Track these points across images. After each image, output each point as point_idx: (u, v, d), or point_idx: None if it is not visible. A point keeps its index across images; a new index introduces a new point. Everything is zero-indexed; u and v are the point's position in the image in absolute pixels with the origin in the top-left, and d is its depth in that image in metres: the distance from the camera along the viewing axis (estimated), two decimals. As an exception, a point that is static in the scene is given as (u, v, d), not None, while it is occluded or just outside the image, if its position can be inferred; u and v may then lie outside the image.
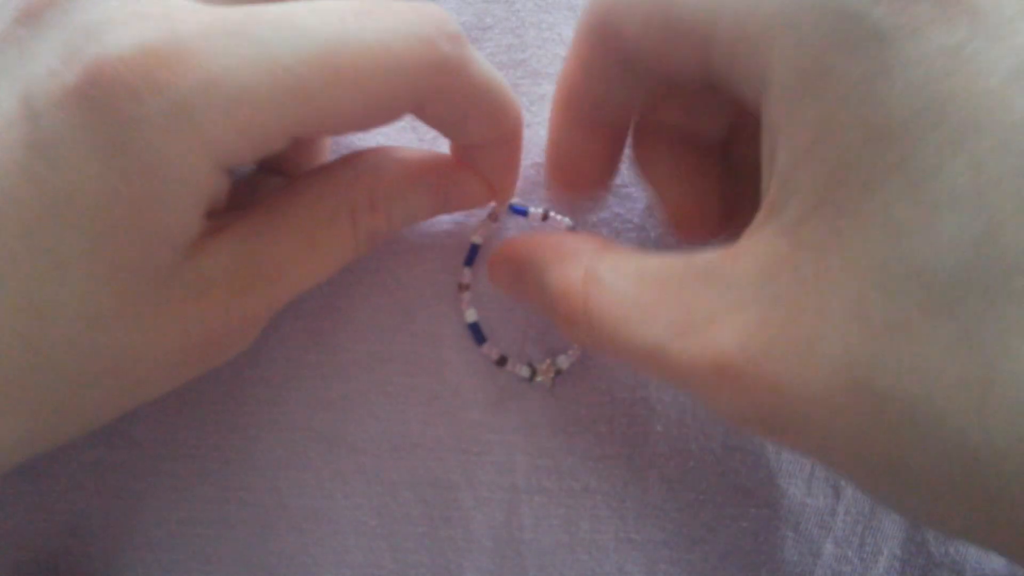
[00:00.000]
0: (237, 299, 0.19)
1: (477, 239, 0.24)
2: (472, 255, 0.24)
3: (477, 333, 0.24)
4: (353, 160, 0.22)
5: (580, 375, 0.24)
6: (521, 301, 0.22)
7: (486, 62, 0.20)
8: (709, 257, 0.16)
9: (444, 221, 0.25)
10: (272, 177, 0.24)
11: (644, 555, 0.23)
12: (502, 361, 0.24)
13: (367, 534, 0.24)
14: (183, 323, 0.18)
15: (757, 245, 0.15)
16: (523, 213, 0.24)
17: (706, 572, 0.23)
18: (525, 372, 0.24)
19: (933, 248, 0.13)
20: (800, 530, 0.23)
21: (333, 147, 0.25)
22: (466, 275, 0.24)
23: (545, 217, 0.24)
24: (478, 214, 0.25)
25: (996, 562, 0.23)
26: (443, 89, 0.18)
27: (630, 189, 0.25)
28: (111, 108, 0.16)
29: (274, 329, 0.24)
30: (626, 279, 0.18)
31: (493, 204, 0.23)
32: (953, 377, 0.12)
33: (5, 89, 0.17)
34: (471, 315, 0.23)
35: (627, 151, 0.23)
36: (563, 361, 0.24)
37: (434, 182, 0.22)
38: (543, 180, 0.25)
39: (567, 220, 0.24)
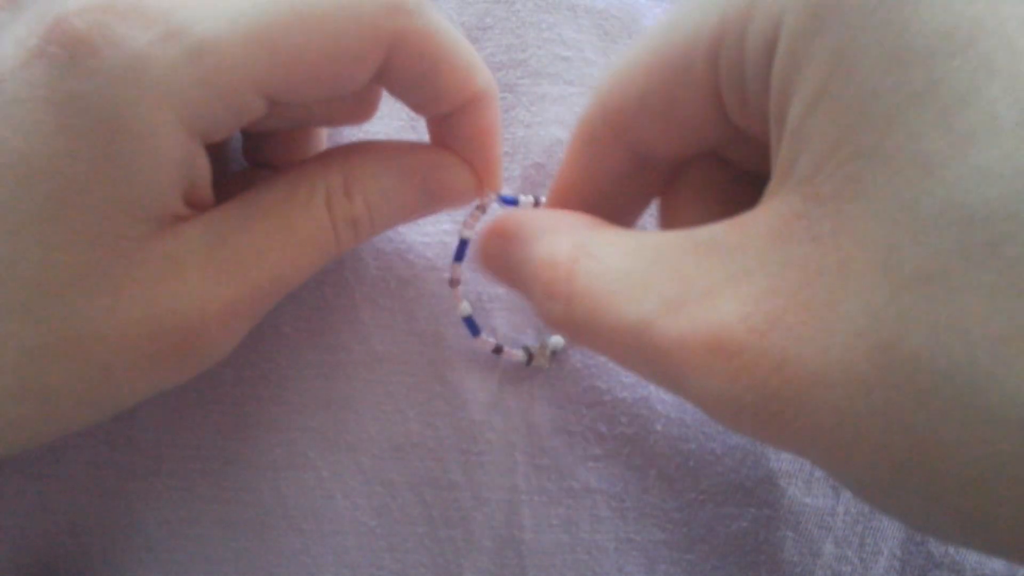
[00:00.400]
0: (212, 284, 0.18)
1: (467, 233, 0.23)
2: (461, 250, 0.23)
3: (472, 326, 0.24)
4: (329, 150, 0.22)
5: (580, 375, 0.24)
6: (505, 281, 0.20)
7: (445, 18, 0.19)
8: (713, 228, 0.15)
9: (444, 220, 0.25)
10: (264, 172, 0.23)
11: (644, 555, 0.23)
12: (498, 350, 0.24)
13: (367, 534, 0.24)
14: (152, 305, 0.17)
15: (766, 209, 0.14)
16: (513, 203, 0.23)
17: (706, 572, 0.23)
18: (522, 356, 0.24)
19: (971, 182, 0.11)
20: (800, 530, 0.23)
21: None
22: (456, 270, 0.24)
23: (537, 204, 0.24)
24: (482, 223, 0.24)
25: (996, 562, 0.23)
26: (407, 32, 0.18)
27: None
28: (69, 64, 0.16)
29: (274, 329, 0.24)
30: (618, 252, 0.16)
31: (485, 198, 0.23)
32: (999, 331, 0.10)
33: None
34: (465, 308, 0.23)
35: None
36: (556, 342, 0.24)
37: (411, 165, 0.21)
38: (543, 181, 0.25)
39: None
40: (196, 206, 0.19)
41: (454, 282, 0.24)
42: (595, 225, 0.18)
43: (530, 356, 0.24)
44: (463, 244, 0.23)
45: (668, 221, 0.20)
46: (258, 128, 0.21)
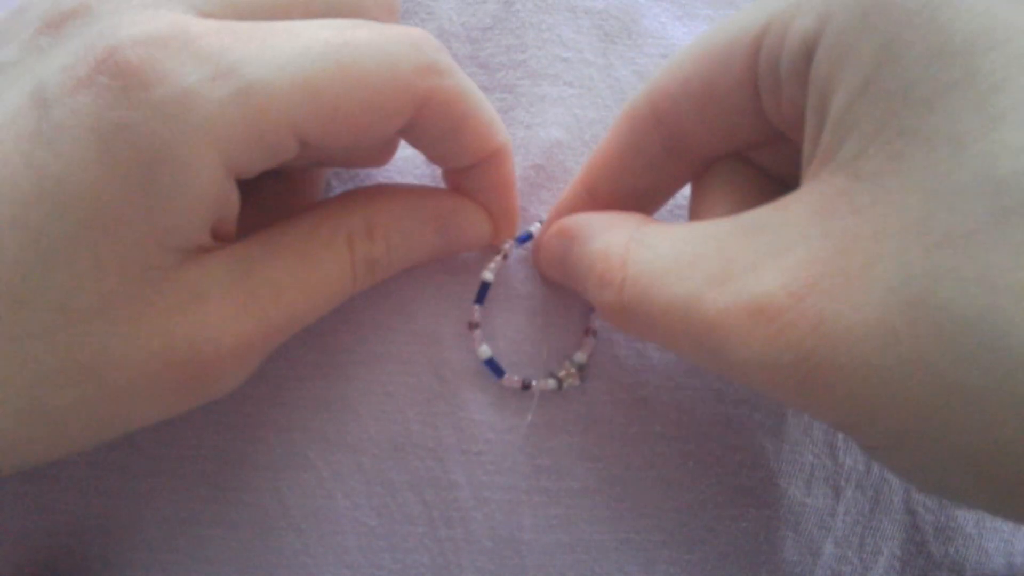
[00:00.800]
0: (231, 318, 0.18)
1: (488, 276, 0.23)
2: (483, 293, 0.24)
3: (495, 368, 0.23)
4: (352, 192, 0.22)
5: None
6: (561, 275, 0.22)
7: (471, 81, 0.20)
8: (756, 212, 0.16)
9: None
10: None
11: (643, 555, 0.23)
12: (526, 386, 0.23)
13: (367, 534, 0.24)
14: (170, 335, 0.17)
15: (809, 190, 0.15)
16: (528, 238, 0.24)
17: (706, 572, 0.23)
18: (552, 385, 0.23)
19: (999, 155, 0.12)
20: (800, 530, 0.23)
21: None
22: (476, 313, 0.23)
23: None
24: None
25: (996, 562, 0.23)
26: (437, 91, 0.19)
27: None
28: (119, 95, 0.16)
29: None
30: (667, 239, 0.17)
31: (507, 244, 0.23)
32: (1023, 282, 0.11)
33: (20, 88, 0.17)
34: (484, 352, 0.23)
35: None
36: (580, 357, 0.24)
37: (431, 210, 0.22)
38: (542, 182, 0.25)
39: None
40: (221, 239, 0.19)
41: (473, 325, 0.23)
42: (646, 220, 0.19)
43: (559, 381, 0.23)
44: (484, 287, 0.24)
45: (696, 216, 0.21)
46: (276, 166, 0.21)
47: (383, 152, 0.23)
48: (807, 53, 0.15)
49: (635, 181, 0.21)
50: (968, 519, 0.23)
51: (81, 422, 0.18)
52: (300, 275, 0.19)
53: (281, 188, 0.23)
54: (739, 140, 0.19)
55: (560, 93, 0.26)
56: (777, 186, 0.21)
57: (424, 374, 0.24)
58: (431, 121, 0.19)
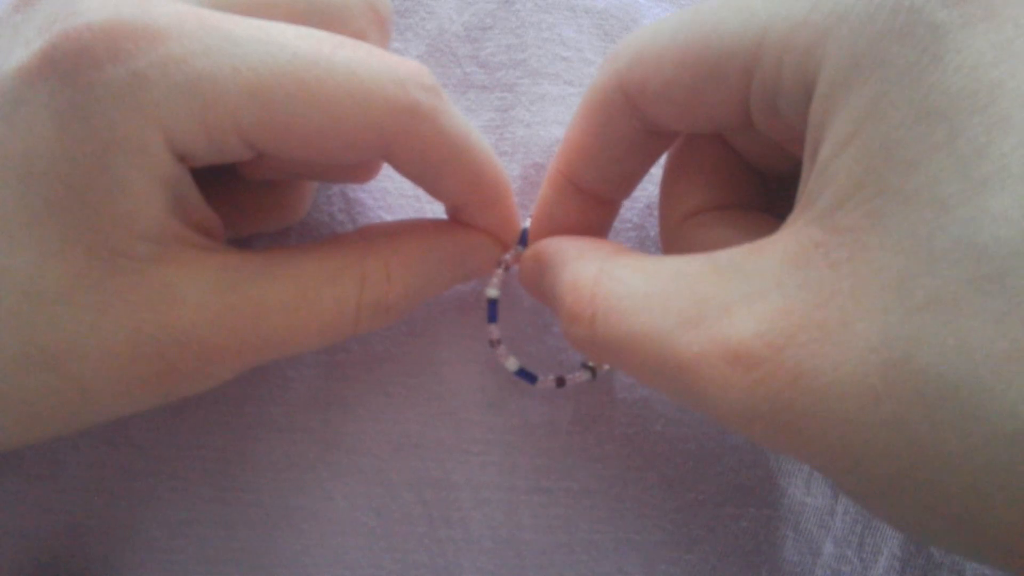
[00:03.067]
0: (205, 327, 0.18)
1: (494, 293, 0.23)
2: (493, 310, 0.23)
3: (527, 376, 0.23)
4: (367, 230, 0.21)
5: (576, 386, 0.24)
6: (539, 298, 0.22)
7: (465, 121, 0.19)
8: (731, 253, 0.16)
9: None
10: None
11: (643, 555, 0.23)
12: (561, 382, 0.23)
13: (367, 534, 0.24)
14: (137, 331, 0.17)
15: (785, 236, 0.15)
16: (524, 242, 0.23)
17: (705, 572, 0.23)
18: (587, 376, 0.23)
19: (982, 222, 0.12)
20: (800, 530, 0.23)
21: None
22: (495, 332, 0.23)
23: None
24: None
25: (996, 562, 0.23)
26: (411, 134, 0.18)
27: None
28: (72, 73, 0.16)
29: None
30: (638, 274, 0.17)
31: (508, 256, 0.23)
32: (1002, 352, 0.11)
33: None
34: (513, 364, 0.23)
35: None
36: None
37: (449, 250, 0.22)
38: (543, 181, 0.25)
39: None
40: (200, 228, 0.18)
41: (494, 343, 0.23)
42: (618, 251, 0.19)
43: (593, 371, 0.23)
44: (493, 304, 0.23)
45: (668, 198, 0.21)
46: (252, 175, 0.21)
47: (363, 172, 0.22)
48: (806, 98, 0.15)
49: (618, 166, 0.20)
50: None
51: (47, 410, 0.17)
52: (293, 307, 0.19)
53: (265, 196, 0.23)
54: (725, 129, 0.19)
55: (560, 92, 0.26)
56: (753, 171, 0.21)
57: (424, 374, 0.24)
58: (404, 159, 0.19)
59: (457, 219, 0.22)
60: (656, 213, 0.24)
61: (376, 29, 0.20)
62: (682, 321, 0.15)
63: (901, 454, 0.13)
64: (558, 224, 0.22)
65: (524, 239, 0.24)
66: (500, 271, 0.23)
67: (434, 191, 0.21)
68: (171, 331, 0.17)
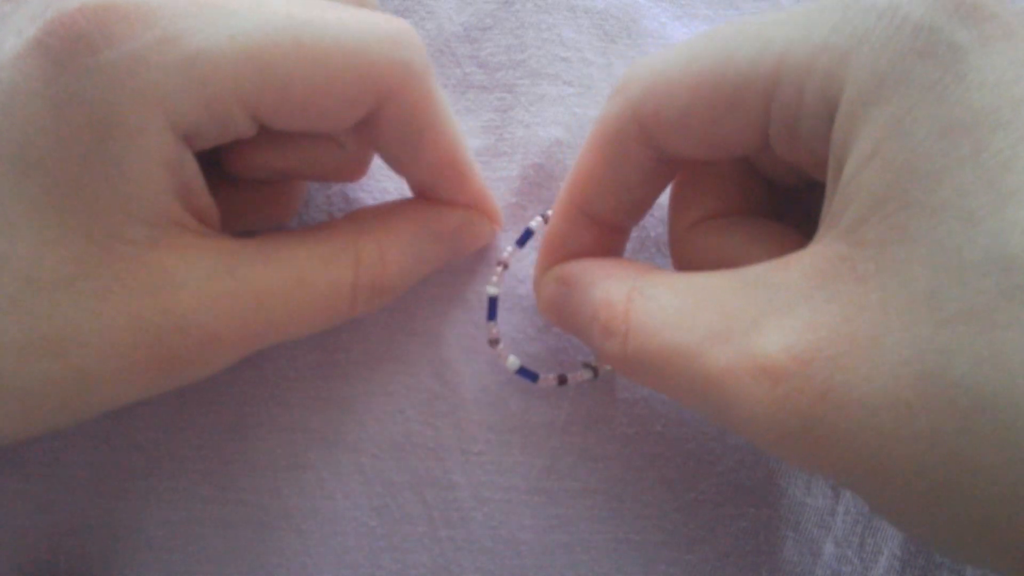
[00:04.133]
0: (204, 313, 0.18)
1: (493, 291, 0.23)
2: (493, 307, 0.23)
3: (528, 374, 0.23)
4: (360, 213, 0.22)
5: (576, 385, 0.24)
6: (563, 323, 0.21)
7: (443, 93, 0.20)
8: (758, 268, 0.16)
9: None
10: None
11: (643, 555, 0.23)
12: (562, 380, 0.23)
13: (367, 534, 0.24)
14: (137, 317, 0.17)
15: (812, 252, 0.15)
16: (529, 236, 0.24)
17: (705, 572, 0.23)
18: (588, 375, 0.23)
19: (1011, 233, 0.12)
20: (800, 530, 0.23)
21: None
22: (494, 330, 0.23)
23: (547, 220, 0.24)
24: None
25: (996, 562, 0.23)
26: (404, 91, 0.18)
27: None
28: (66, 58, 0.16)
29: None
30: (670, 291, 0.17)
31: (506, 252, 0.23)
32: None
33: None
34: (514, 363, 0.23)
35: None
36: None
37: (441, 228, 0.22)
38: (542, 181, 0.25)
39: None
40: (199, 215, 0.19)
41: (493, 341, 0.23)
42: (647, 270, 0.19)
43: (595, 371, 0.23)
44: (493, 302, 0.23)
45: (678, 203, 0.21)
46: (245, 174, 0.21)
47: (355, 164, 0.22)
48: (828, 119, 0.15)
49: (630, 195, 0.21)
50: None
51: (49, 399, 0.17)
52: (290, 290, 0.19)
53: (256, 195, 0.23)
54: (739, 156, 0.19)
55: (560, 92, 0.26)
56: (762, 182, 0.21)
57: (424, 374, 0.24)
58: (391, 120, 0.19)
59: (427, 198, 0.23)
60: (656, 214, 0.25)
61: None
62: (710, 336, 0.15)
63: (936, 468, 0.12)
64: (572, 253, 0.22)
65: (524, 239, 0.24)
66: (499, 269, 0.23)
67: (411, 164, 0.21)
68: (171, 317, 0.17)
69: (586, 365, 0.23)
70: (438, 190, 0.22)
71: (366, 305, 0.21)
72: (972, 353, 0.12)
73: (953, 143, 0.13)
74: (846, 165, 0.15)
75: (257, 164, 0.20)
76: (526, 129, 0.25)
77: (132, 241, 0.17)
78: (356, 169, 0.23)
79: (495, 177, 0.25)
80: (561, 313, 0.21)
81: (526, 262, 0.25)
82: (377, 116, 0.19)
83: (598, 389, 0.24)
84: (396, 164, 0.21)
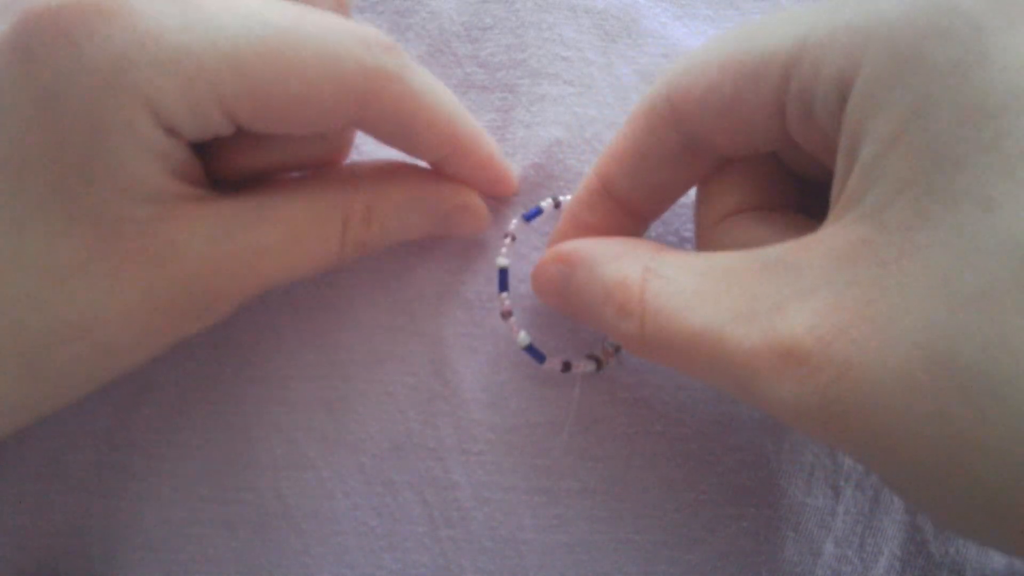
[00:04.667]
0: (207, 277, 0.19)
1: (504, 261, 0.23)
2: (504, 279, 0.23)
3: (535, 353, 0.23)
4: (354, 169, 0.22)
5: (581, 375, 0.24)
6: (562, 305, 0.21)
7: (430, 76, 0.20)
8: (778, 249, 0.16)
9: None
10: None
11: (643, 555, 0.23)
12: (567, 367, 0.23)
13: (367, 534, 0.24)
14: (149, 288, 0.18)
15: (833, 234, 0.15)
16: (537, 213, 0.24)
17: (705, 572, 0.23)
18: (592, 367, 0.23)
19: None
20: (800, 530, 0.23)
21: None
22: (507, 301, 0.23)
23: (557, 205, 0.24)
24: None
25: (996, 563, 0.23)
26: (383, 94, 0.19)
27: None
28: (48, 56, 0.16)
29: (274, 329, 0.24)
30: (688, 271, 0.17)
31: (512, 225, 0.23)
32: None
33: None
34: (524, 339, 0.23)
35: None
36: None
37: (434, 202, 0.22)
38: (542, 181, 0.25)
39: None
40: (194, 182, 0.19)
41: (506, 313, 0.23)
42: (660, 249, 0.19)
43: (599, 362, 0.23)
44: (503, 273, 0.23)
45: (706, 197, 0.21)
46: (229, 176, 0.21)
47: (335, 150, 0.23)
48: (841, 98, 0.15)
49: (652, 177, 0.21)
50: (968, 519, 0.23)
51: (79, 375, 0.18)
52: (287, 246, 0.20)
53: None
54: (760, 147, 0.19)
55: (560, 92, 0.26)
56: (789, 177, 0.21)
57: (424, 374, 0.24)
58: (378, 120, 0.19)
59: (442, 173, 0.23)
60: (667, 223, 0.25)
61: (334, 6, 0.21)
62: (735, 317, 0.15)
63: (942, 447, 0.13)
64: (584, 229, 0.22)
65: (532, 216, 0.24)
66: (508, 241, 0.23)
67: (413, 149, 0.21)
68: (179, 283, 0.18)
69: (590, 356, 0.23)
70: (443, 165, 0.22)
71: (352, 256, 0.21)
72: (982, 338, 0.12)
73: (975, 129, 0.13)
74: (863, 146, 0.15)
75: (239, 166, 0.21)
76: (526, 129, 0.25)
77: (137, 220, 0.17)
78: (339, 152, 0.23)
79: (495, 177, 0.25)
80: (562, 294, 0.21)
81: (539, 247, 0.25)
82: (363, 117, 0.19)
83: (598, 389, 0.24)
84: (395, 147, 0.22)
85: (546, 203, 0.24)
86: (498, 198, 0.25)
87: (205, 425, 0.24)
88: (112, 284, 0.17)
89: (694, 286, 0.17)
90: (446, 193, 0.23)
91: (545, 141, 0.25)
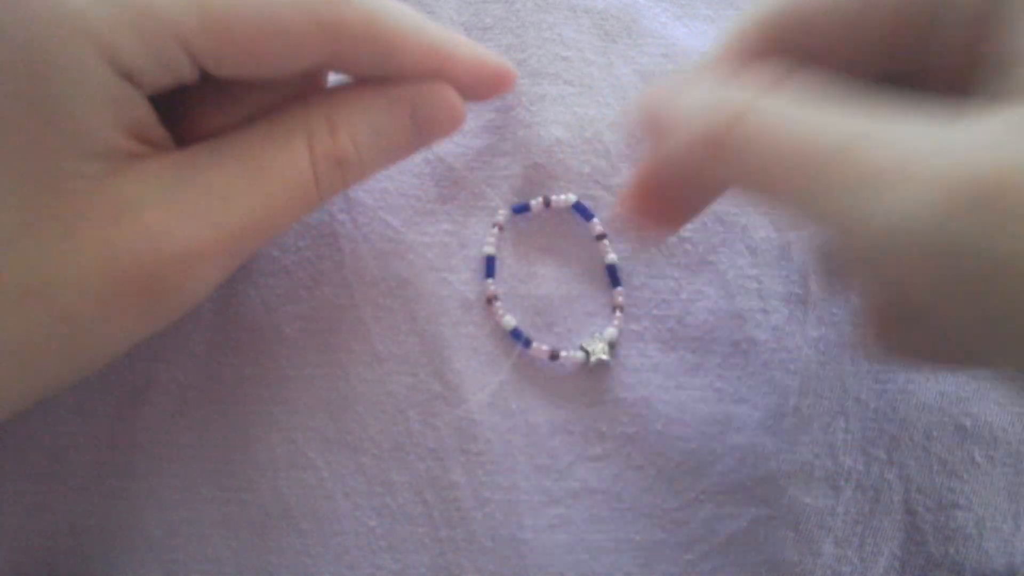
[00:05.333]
0: (173, 226, 0.17)
1: (490, 249, 0.23)
2: (490, 266, 0.24)
3: (521, 337, 0.24)
4: (309, 92, 0.21)
5: (581, 375, 0.24)
6: (651, 117, 0.18)
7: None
8: (929, 122, 0.14)
9: (443, 220, 0.25)
10: None
11: (643, 555, 0.23)
12: (554, 356, 0.24)
13: (367, 534, 0.24)
14: (108, 247, 0.17)
15: (1004, 111, 0.14)
16: (525, 208, 0.24)
17: (705, 572, 0.23)
18: (580, 356, 0.24)
19: None
20: (800, 530, 0.23)
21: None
22: (492, 286, 0.24)
23: (547, 203, 0.24)
24: (485, 225, 0.25)
25: (996, 562, 0.23)
26: (346, 20, 0.18)
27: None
28: None
29: (274, 329, 0.24)
30: (810, 95, 0.15)
31: (500, 215, 0.23)
32: None
33: None
34: (509, 322, 0.23)
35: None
36: (611, 332, 0.24)
37: (399, 96, 0.21)
38: (542, 181, 0.25)
39: (571, 196, 0.25)
40: (152, 143, 0.18)
41: (491, 298, 0.23)
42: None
43: (587, 353, 0.24)
44: (490, 261, 0.24)
45: None
46: (196, 131, 0.20)
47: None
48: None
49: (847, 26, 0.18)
50: (968, 519, 0.23)
51: (42, 352, 0.17)
52: (252, 180, 0.18)
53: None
54: (869, 69, 0.18)
55: (560, 92, 0.26)
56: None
57: (424, 374, 0.24)
58: (354, 51, 0.19)
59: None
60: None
61: None
62: (866, 132, 0.14)
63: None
64: (656, 193, 0.20)
65: (521, 209, 0.24)
66: (495, 230, 0.24)
67: (398, 72, 0.20)
68: (140, 239, 0.17)
69: (580, 348, 0.24)
70: (446, 75, 0.21)
71: (331, 181, 0.20)
72: None
73: None
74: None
75: (206, 126, 0.20)
76: (527, 129, 0.25)
77: (85, 176, 0.16)
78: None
79: (496, 176, 0.25)
80: (655, 126, 0.18)
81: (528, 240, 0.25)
82: (339, 52, 0.19)
83: (598, 389, 0.24)
84: (379, 74, 0.20)
85: (535, 202, 0.24)
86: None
87: (205, 425, 0.24)
88: (64, 244, 0.16)
89: (816, 102, 0.15)
90: (409, 84, 0.21)
91: (545, 141, 0.25)
